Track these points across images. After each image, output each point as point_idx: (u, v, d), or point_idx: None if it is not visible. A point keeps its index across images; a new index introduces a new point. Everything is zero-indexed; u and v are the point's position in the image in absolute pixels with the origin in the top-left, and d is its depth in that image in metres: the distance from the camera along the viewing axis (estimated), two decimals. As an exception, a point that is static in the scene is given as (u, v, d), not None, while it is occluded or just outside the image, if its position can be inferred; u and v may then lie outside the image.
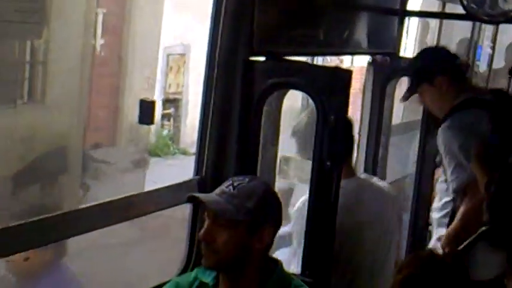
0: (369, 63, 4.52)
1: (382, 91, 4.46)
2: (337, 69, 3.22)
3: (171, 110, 16.26)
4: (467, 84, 4.31)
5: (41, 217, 2.80)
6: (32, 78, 11.14)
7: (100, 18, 12.79)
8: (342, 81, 3.14)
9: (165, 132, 15.83)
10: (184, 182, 3.31)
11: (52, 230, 2.82)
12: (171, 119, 16.25)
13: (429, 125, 4.42)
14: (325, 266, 3.24)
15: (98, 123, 12.72)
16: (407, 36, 10.28)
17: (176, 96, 16.37)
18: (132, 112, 13.02)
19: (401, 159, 5.22)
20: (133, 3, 13.25)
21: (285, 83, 3.34)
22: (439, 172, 5.00)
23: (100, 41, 13.00)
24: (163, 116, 15.94)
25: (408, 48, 11.07)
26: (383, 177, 4.46)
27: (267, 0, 3.27)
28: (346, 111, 3.18)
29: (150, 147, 14.41)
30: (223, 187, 2.81)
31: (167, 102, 16.16)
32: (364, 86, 4.45)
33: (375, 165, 4.49)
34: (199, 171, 3.32)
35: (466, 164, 3.79)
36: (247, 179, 2.83)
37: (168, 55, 15.82)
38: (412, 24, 11.21)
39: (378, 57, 4.43)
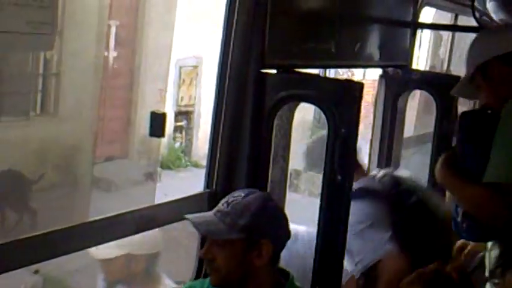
0: (381, 76, 4.49)
1: (394, 104, 4.44)
2: (348, 82, 3.19)
3: (183, 123, 16.28)
4: None
5: (50, 230, 2.79)
6: (44, 90, 11.24)
7: (113, 30, 12.89)
8: (353, 93, 3.11)
9: (177, 144, 15.84)
10: (194, 196, 3.29)
11: (62, 242, 2.80)
12: (183, 132, 16.25)
13: (441, 137, 4.39)
14: (335, 280, 3.22)
15: (110, 136, 12.75)
16: (419, 48, 10.25)
17: (188, 108, 16.38)
18: (144, 124, 13.07)
19: (414, 171, 5.19)
20: (146, 15, 13.32)
21: (296, 96, 3.32)
22: None
23: (113, 53, 13.06)
24: (176, 129, 15.95)
25: (421, 61, 11.06)
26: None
27: (279, 12, 3.25)
28: (357, 124, 3.15)
29: (162, 159, 14.42)
30: (220, 204, 2.84)
31: (179, 114, 16.18)
32: (376, 99, 4.43)
33: None
34: (209, 184, 3.30)
35: None
36: (243, 195, 2.83)
37: (180, 67, 15.86)
38: (424, 37, 11.18)
39: (390, 69, 4.41)
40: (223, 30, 3.21)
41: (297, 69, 3.39)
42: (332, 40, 3.62)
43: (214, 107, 3.27)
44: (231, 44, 3.20)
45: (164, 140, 14.22)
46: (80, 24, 10.91)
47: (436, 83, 4.49)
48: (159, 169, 13.56)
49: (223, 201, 2.84)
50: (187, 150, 16.00)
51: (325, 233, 3.21)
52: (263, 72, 3.25)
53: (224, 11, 3.20)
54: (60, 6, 10.52)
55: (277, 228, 2.84)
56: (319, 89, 3.22)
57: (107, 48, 12.69)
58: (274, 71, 3.30)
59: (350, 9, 3.80)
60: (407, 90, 4.53)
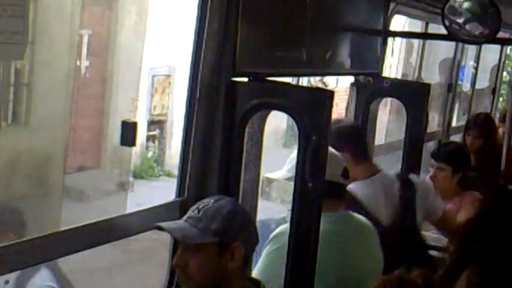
0: (352, 84, 4.52)
1: (365, 111, 4.46)
2: (318, 90, 3.23)
3: (156, 132, 16.24)
4: None
5: (22, 240, 2.78)
6: (16, 100, 11.07)
7: (85, 39, 12.76)
8: (324, 101, 3.15)
9: (150, 154, 15.79)
10: (166, 204, 3.29)
11: (33, 252, 2.79)
12: (156, 141, 16.21)
13: (411, 144, 4.43)
14: (308, 286, 3.23)
15: (82, 146, 12.69)
16: (391, 56, 10.32)
17: (161, 118, 16.34)
18: (116, 134, 12.97)
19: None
20: (118, 25, 13.18)
21: (267, 104, 3.34)
22: None
23: (85, 63, 12.95)
24: (148, 138, 15.90)
25: (393, 69, 11.12)
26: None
27: (250, 21, 3.27)
28: (328, 131, 3.18)
29: (134, 169, 14.37)
30: (189, 211, 2.85)
31: (152, 123, 16.13)
32: (347, 107, 4.45)
33: None
34: (181, 193, 3.30)
35: None
36: (212, 200, 2.86)
37: (153, 76, 15.81)
38: (396, 45, 11.26)
39: (361, 77, 4.44)
40: (194, 39, 3.22)
41: (268, 78, 3.41)
42: (303, 48, 3.64)
43: (185, 115, 3.27)
44: (202, 52, 3.20)
45: (137, 150, 14.17)
46: (51, 34, 10.78)
47: (406, 91, 4.54)
48: (131, 179, 13.50)
49: (193, 208, 2.86)
50: (160, 159, 15.95)
51: (296, 239, 3.22)
52: (234, 81, 3.26)
53: (195, 19, 3.20)
54: (31, 15, 10.51)
55: (248, 232, 2.87)
56: (290, 97, 3.25)
57: (79, 57, 12.58)
58: (245, 79, 3.32)
59: (321, 18, 3.81)
60: (378, 98, 4.56)
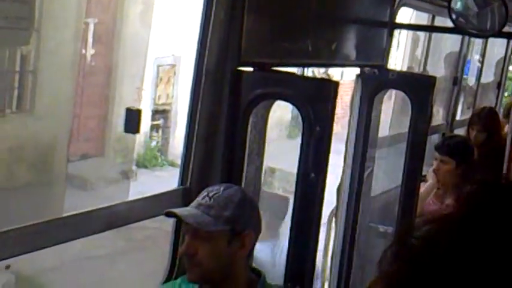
0: (357, 76, 4.49)
1: (370, 103, 4.43)
2: (323, 81, 3.22)
3: (160, 121, 16.22)
4: None
5: (23, 225, 2.78)
6: (21, 87, 11.09)
7: (91, 27, 12.73)
8: (328, 92, 3.14)
9: (153, 143, 15.78)
10: (168, 192, 3.28)
11: (34, 238, 2.78)
12: (160, 131, 16.20)
13: (415, 137, 4.41)
14: (308, 278, 3.23)
15: (86, 134, 12.69)
16: (397, 49, 10.28)
17: (166, 107, 16.33)
18: (120, 123, 12.88)
19: (389, 171, 5.21)
20: (124, 13, 13.21)
21: (271, 94, 3.33)
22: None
23: (90, 51, 12.91)
24: (152, 127, 15.89)
25: (398, 61, 11.08)
26: (369, 190, 4.46)
27: (256, 11, 3.26)
28: (332, 122, 3.18)
29: (138, 158, 14.36)
30: (199, 199, 2.83)
31: (156, 113, 16.12)
32: (352, 99, 4.43)
33: (361, 177, 4.48)
34: (184, 181, 3.29)
35: None
36: (222, 188, 2.85)
37: (158, 66, 15.80)
38: (402, 37, 11.23)
39: (366, 69, 4.42)
40: (200, 28, 3.21)
41: (273, 68, 3.40)
42: (309, 39, 3.63)
43: (189, 104, 3.26)
44: (208, 41, 3.19)
45: (140, 139, 14.16)
46: (57, 21, 10.77)
47: (411, 83, 4.51)
48: (135, 168, 13.50)
49: (202, 195, 2.84)
50: (163, 149, 15.94)
51: (298, 230, 3.22)
52: (239, 70, 3.25)
53: (201, 9, 3.19)
54: (37, 2, 10.55)
55: (256, 220, 2.88)
56: (294, 87, 3.24)
57: (85, 45, 12.53)
58: (250, 69, 3.31)
59: (327, 9, 3.81)
60: (383, 90, 4.53)
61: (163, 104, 16.23)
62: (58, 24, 10.81)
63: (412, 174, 4.45)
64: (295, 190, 3.22)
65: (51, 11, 10.72)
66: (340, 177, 4.41)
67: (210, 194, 2.81)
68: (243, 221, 2.79)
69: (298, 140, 3.30)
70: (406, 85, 4.49)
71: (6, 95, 11.02)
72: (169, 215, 2.83)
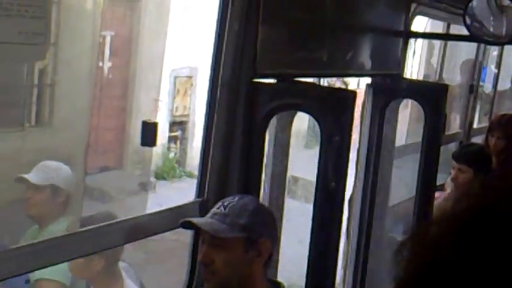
0: (368, 85, 4.42)
1: (382, 113, 4.37)
2: (341, 90, 3.20)
3: (178, 133, 16.23)
4: None
5: (43, 239, 2.78)
6: (39, 100, 11.08)
7: (107, 40, 12.80)
8: (346, 102, 3.13)
9: (171, 155, 15.79)
10: (186, 205, 3.26)
11: (54, 251, 2.77)
12: (178, 142, 16.21)
13: (428, 146, 4.36)
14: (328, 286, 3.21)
15: (104, 146, 12.71)
16: (413, 57, 10.22)
17: (183, 119, 16.33)
18: (138, 135, 12.91)
19: (407, 180, 5.15)
20: (141, 26, 13.20)
21: (288, 105, 3.32)
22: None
23: (107, 63, 12.98)
24: (170, 139, 15.90)
25: (414, 69, 11.03)
26: (386, 200, 4.41)
27: (271, 21, 3.24)
28: (350, 131, 3.17)
29: (156, 170, 14.36)
30: (214, 209, 2.85)
31: (174, 125, 16.12)
32: (363, 108, 4.38)
33: (373, 187, 4.42)
34: (200, 193, 3.27)
35: None
36: (237, 198, 2.87)
37: (175, 78, 15.81)
38: (418, 45, 11.18)
39: (378, 78, 4.38)
40: (215, 40, 3.19)
41: (289, 78, 3.37)
42: (324, 49, 3.60)
43: (205, 115, 3.24)
44: (223, 53, 3.17)
45: (158, 151, 14.17)
46: (74, 35, 10.78)
47: (424, 92, 4.46)
48: (153, 179, 13.50)
49: (217, 205, 2.85)
50: (181, 160, 15.94)
51: (318, 239, 3.20)
52: (255, 81, 3.23)
53: (216, 20, 3.18)
54: (55, 16, 10.59)
55: (273, 229, 2.89)
56: (311, 97, 3.23)
57: (102, 58, 12.61)
58: (266, 80, 3.29)
59: (342, 18, 3.78)
60: (396, 99, 4.47)
61: (180, 116, 16.24)
62: (75, 38, 10.82)
63: (427, 183, 4.39)
64: (314, 199, 3.20)
65: (68, 24, 10.68)
66: (352, 188, 4.34)
67: (225, 204, 2.83)
68: (259, 229, 2.80)
69: (316, 150, 3.29)
70: (418, 94, 4.45)
71: (25, 109, 11.03)
72: (185, 225, 2.86)
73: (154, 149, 12.51)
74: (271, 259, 2.92)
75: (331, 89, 3.38)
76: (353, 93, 3.21)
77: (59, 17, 10.31)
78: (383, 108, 4.32)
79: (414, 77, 8.75)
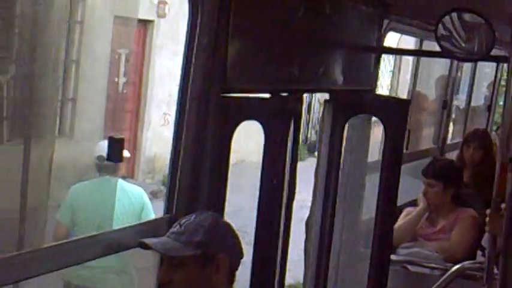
0: (327, 101, 3.87)
1: (341, 130, 3.83)
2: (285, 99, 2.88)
3: (187, 143, 15.95)
4: None
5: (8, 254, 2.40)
6: (62, 113, 11.09)
7: (123, 58, 12.63)
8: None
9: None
10: (154, 221, 3.04)
11: (19, 268, 2.42)
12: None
13: (390, 163, 3.83)
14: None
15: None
16: (399, 73, 9.71)
17: (192, 130, 16.07)
18: (149, 146, 12.99)
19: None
20: (153, 44, 13.14)
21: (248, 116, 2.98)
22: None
23: (122, 79, 12.80)
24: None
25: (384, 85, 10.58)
26: (357, 215, 3.93)
27: (241, 36, 2.89)
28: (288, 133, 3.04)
29: (165, 179, 14.10)
30: (172, 228, 2.62)
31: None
32: (321, 125, 3.83)
33: (333, 208, 3.82)
34: (169, 209, 2.90)
35: None
36: (194, 216, 2.63)
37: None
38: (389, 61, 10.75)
39: (338, 94, 3.78)
40: (184, 54, 2.84)
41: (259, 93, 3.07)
42: (295, 64, 3.27)
43: (174, 131, 2.89)
44: (192, 67, 2.82)
45: (167, 161, 13.94)
46: (94, 52, 10.80)
47: (384, 107, 3.93)
48: (163, 188, 13.26)
49: (175, 224, 2.62)
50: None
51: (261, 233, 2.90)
52: (224, 96, 2.88)
53: (185, 34, 2.83)
54: (78, 36, 10.69)
55: (231, 244, 2.62)
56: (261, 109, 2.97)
57: (117, 74, 12.44)
58: (235, 95, 2.94)
59: (314, 34, 3.39)
60: (355, 115, 3.94)
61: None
62: (94, 55, 10.84)
63: (388, 201, 3.86)
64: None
65: (88, 43, 10.71)
66: (310, 207, 3.78)
67: (182, 222, 2.60)
68: (215, 245, 2.54)
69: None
70: (378, 109, 3.90)
71: (50, 121, 10.93)
72: (141, 246, 2.60)
73: (164, 158, 12.33)
74: (234, 274, 2.61)
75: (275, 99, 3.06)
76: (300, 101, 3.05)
77: (80, 37, 10.78)
78: (343, 124, 3.79)
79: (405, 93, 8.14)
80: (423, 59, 5.72)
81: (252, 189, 3.27)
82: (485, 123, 8.05)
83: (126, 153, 5.61)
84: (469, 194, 4.83)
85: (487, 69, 8.31)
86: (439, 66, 6.76)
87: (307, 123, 17.49)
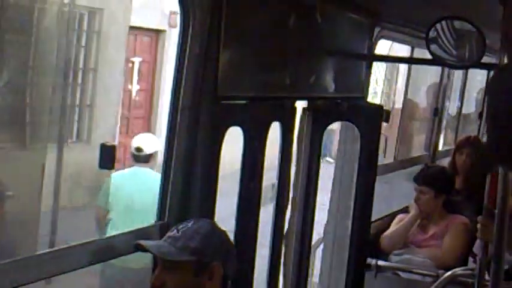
0: (305, 109, 3.65)
1: (319, 137, 3.60)
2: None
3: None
4: None
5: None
6: (80, 119, 11.02)
7: (136, 66, 12.62)
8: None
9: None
10: (146, 228, 2.78)
11: (10, 275, 2.29)
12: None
13: (364, 170, 3.65)
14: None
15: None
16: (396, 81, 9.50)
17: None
18: (160, 152, 12.87)
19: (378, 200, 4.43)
20: (164, 52, 13.02)
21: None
22: None
23: (136, 87, 12.81)
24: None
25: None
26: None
27: (232, 44, 2.76)
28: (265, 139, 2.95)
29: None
30: (169, 233, 2.53)
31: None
32: (300, 132, 3.54)
33: (312, 218, 3.59)
34: (161, 216, 2.77)
35: None
36: (191, 222, 2.53)
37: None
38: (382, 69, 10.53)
39: (316, 101, 3.57)
40: (176, 62, 2.73)
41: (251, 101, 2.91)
42: (287, 72, 3.15)
43: (166, 138, 2.76)
44: (183, 76, 2.69)
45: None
46: (109, 61, 10.72)
47: (359, 114, 3.74)
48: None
49: (172, 229, 2.53)
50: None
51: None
52: (216, 104, 2.75)
53: (177, 43, 2.70)
54: (95, 45, 10.68)
55: (226, 253, 2.51)
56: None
57: (130, 82, 12.46)
58: (227, 102, 2.80)
59: (305, 42, 3.25)
60: (333, 122, 3.76)
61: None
62: (110, 64, 10.77)
63: (362, 210, 3.69)
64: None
65: (104, 52, 10.64)
66: (289, 220, 3.48)
67: (179, 227, 2.50)
68: (210, 253, 2.44)
69: None
70: (352, 115, 3.70)
71: (68, 127, 10.87)
72: (138, 248, 2.50)
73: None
74: (227, 282, 2.51)
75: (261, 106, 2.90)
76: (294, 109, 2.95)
77: (98, 46, 10.74)
78: (321, 131, 3.56)
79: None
80: (415, 67, 5.51)
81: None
82: (476, 130, 7.80)
83: (158, 147, 5.98)
84: (461, 200, 4.66)
85: (478, 77, 8.07)
86: (432, 74, 6.55)
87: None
